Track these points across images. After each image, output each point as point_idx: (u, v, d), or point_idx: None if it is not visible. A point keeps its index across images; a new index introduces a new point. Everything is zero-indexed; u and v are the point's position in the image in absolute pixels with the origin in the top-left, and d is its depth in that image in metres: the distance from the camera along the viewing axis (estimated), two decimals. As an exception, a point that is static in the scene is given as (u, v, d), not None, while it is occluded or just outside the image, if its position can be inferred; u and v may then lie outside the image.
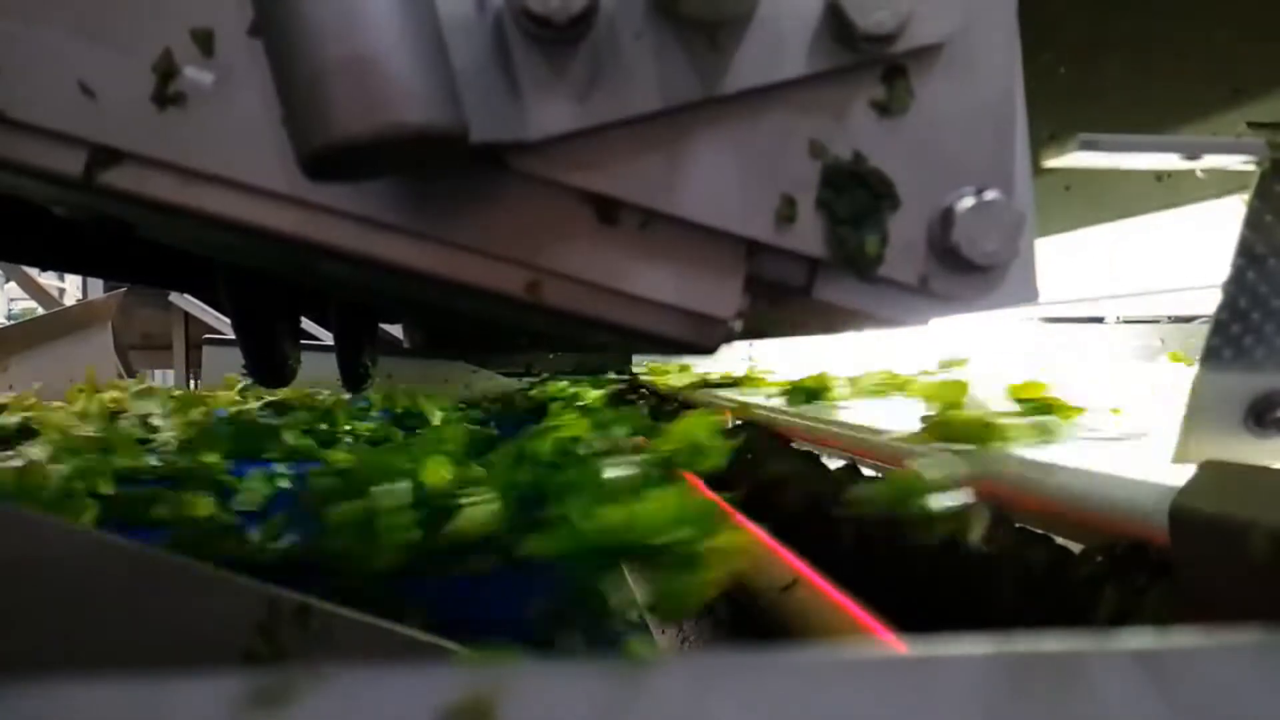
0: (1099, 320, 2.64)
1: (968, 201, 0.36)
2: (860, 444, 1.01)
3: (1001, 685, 0.13)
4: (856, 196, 0.36)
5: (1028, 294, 0.38)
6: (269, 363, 1.19)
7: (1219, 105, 0.79)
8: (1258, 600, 0.42)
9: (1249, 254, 0.48)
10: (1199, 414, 0.50)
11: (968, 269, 0.36)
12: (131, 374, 3.32)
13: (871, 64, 0.35)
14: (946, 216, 0.36)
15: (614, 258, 0.36)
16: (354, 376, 1.55)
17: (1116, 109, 0.90)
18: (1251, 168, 0.47)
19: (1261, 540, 0.41)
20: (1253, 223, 0.48)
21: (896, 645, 0.65)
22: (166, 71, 0.34)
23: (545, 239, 0.36)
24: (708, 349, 0.37)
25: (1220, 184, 0.69)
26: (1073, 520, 0.62)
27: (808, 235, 0.36)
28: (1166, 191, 0.85)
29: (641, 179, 0.35)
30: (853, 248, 0.36)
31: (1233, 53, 0.78)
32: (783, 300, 0.38)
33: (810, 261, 0.37)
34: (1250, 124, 0.50)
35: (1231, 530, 0.43)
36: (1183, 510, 0.46)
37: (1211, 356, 0.49)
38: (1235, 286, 0.48)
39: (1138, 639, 0.15)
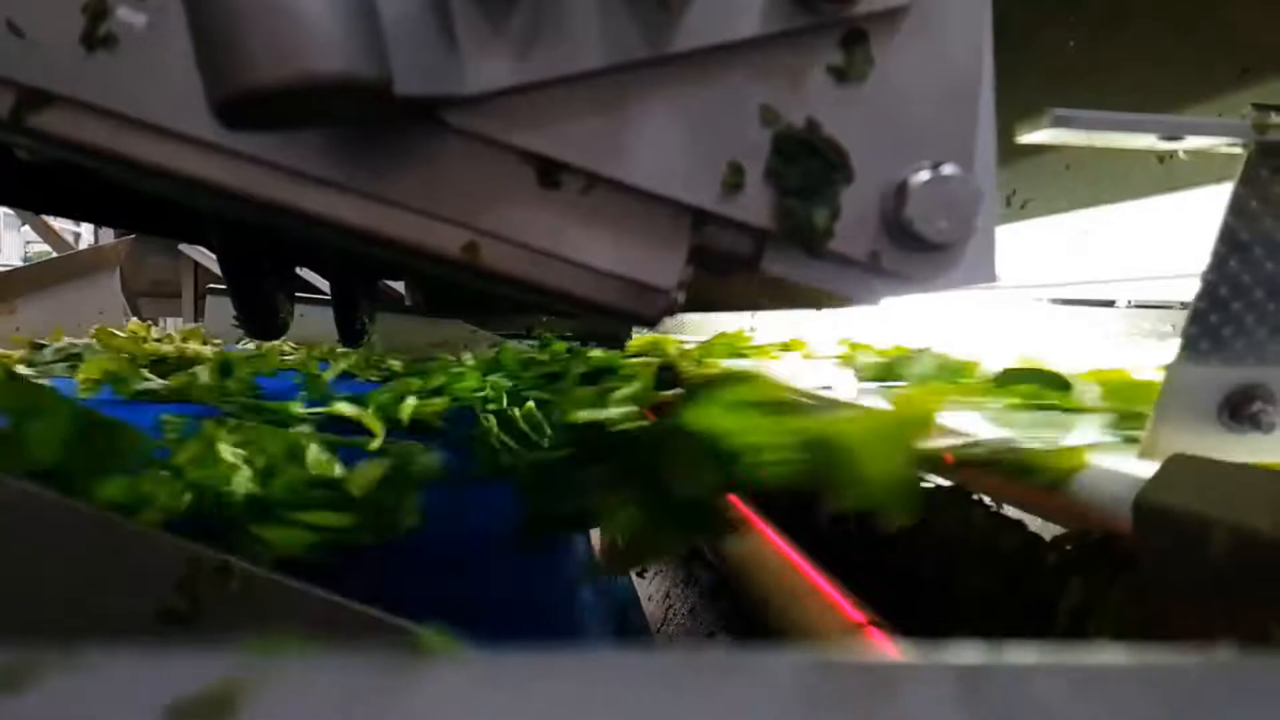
0: (1110, 304, 2.60)
1: (923, 176, 0.34)
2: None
3: (809, 694, 0.12)
4: (808, 166, 0.34)
5: (985, 274, 0.36)
6: (260, 314, 1.18)
7: (1228, 85, 0.77)
8: (1217, 598, 0.41)
9: (1232, 241, 0.46)
10: (1172, 405, 0.49)
11: (921, 246, 0.35)
12: (141, 321, 3.33)
13: (830, 27, 0.34)
14: (900, 191, 0.34)
15: (554, 221, 0.34)
16: (350, 332, 1.55)
17: (1124, 86, 0.88)
18: (1238, 150, 0.45)
19: (1224, 538, 0.40)
20: (1236, 209, 0.46)
21: (860, 616, 0.64)
22: (97, 12, 0.33)
23: (484, 199, 0.34)
24: (647, 319, 0.36)
25: (1224, 168, 0.67)
26: (1050, 507, 0.61)
27: (755, 206, 0.34)
28: (1168, 174, 0.83)
29: (584, 140, 0.34)
30: (801, 220, 0.34)
31: (1242, 32, 0.75)
32: (732, 272, 0.37)
33: (758, 233, 0.35)
34: (1254, 105, 0.48)
35: (1195, 526, 0.42)
36: (1148, 503, 0.45)
37: (1189, 347, 0.48)
38: (1216, 275, 0.47)
39: (967, 655, 0.14)
